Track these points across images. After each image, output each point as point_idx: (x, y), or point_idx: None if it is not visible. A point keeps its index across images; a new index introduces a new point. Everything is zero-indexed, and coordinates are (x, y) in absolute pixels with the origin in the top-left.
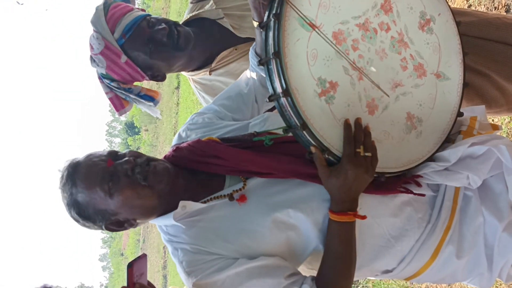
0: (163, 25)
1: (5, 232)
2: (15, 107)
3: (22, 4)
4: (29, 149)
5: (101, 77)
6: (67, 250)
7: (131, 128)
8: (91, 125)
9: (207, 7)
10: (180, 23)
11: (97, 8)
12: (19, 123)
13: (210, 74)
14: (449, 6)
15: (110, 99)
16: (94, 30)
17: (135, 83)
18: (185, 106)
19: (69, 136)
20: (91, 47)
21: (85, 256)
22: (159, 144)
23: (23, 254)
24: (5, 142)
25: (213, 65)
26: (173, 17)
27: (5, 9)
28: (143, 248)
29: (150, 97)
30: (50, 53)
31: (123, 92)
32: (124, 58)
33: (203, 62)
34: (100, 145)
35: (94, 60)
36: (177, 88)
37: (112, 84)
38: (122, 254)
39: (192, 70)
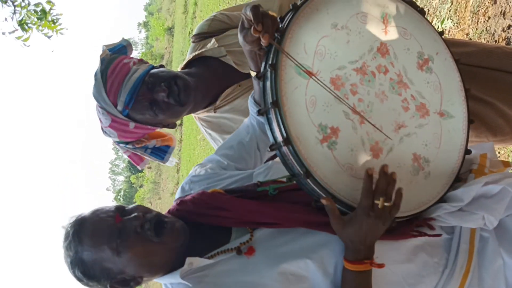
0: (162, 86)
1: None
2: (16, 144)
3: (28, 46)
4: (30, 191)
5: (116, 142)
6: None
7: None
8: (95, 164)
9: (209, 45)
10: (184, 63)
11: (96, 78)
12: (21, 163)
13: (215, 112)
14: (446, 44)
15: (129, 156)
16: (98, 105)
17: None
18: (188, 143)
19: (73, 175)
20: (100, 121)
21: None
22: (162, 182)
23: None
24: (4, 184)
25: (217, 103)
26: (176, 56)
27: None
28: None
29: (166, 146)
30: (52, 91)
31: (139, 150)
32: (132, 125)
33: (209, 101)
34: (103, 183)
35: (106, 132)
36: (180, 125)
37: (128, 146)
38: None
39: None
